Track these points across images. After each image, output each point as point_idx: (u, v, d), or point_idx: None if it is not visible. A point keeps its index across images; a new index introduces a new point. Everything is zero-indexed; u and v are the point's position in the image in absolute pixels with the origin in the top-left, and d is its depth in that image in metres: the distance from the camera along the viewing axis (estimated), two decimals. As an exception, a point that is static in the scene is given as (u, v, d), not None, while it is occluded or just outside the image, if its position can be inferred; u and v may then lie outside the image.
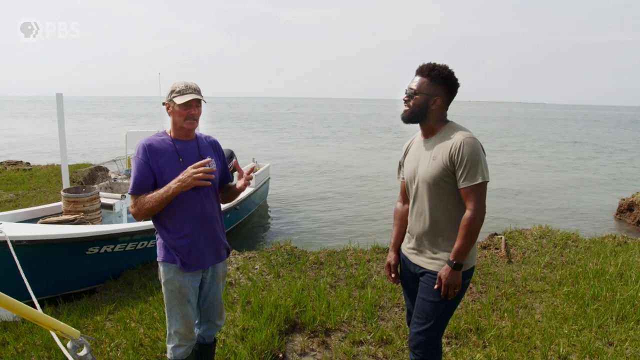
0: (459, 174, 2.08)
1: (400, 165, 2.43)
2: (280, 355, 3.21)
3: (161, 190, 2.18)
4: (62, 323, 1.50)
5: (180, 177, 2.16)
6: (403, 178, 2.39)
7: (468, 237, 2.07)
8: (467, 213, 2.07)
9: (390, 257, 2.45)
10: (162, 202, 2.19)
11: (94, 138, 26.52)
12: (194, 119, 2.29)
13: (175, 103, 2.25)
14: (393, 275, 2.46)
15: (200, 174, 2.15)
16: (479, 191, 2.06)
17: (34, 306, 1.80)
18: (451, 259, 2.10)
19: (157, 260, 2.36)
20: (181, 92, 2.24)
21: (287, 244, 5.81)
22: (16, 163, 13.35)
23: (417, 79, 2.20)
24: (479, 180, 2.05)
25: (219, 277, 2.48)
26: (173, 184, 2.16)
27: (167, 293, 2.33)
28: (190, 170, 2.16)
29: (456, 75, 2.20)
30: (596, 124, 63.13)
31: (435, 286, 2.14)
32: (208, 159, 2.21)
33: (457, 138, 2.09)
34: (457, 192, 2.12)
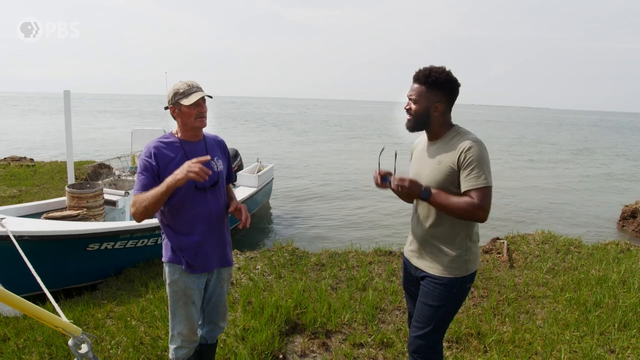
0: (463, 177, 2.06)
1: None
2: (281, 356, 3.21)
3: (157, 187, 2.10)
4: (63, 320, 1.50)
5: (176, 171, 2.06)
6: None
7: (457, 209, 2.01)
8: (476, 201, 2.00)
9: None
10: (159, 199, 2.09)
11: (99, 135, 26.58)
12: (204, 116, 2.28)
13: (182, 105, 2.22)
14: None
15: (196, 169, 2.00)
16: (484, 194, 2.05)
17: (43, 299, 1.80)
18: (431, 191, 2.05)
19: (163, 260, 2.34)
20: (186, 93, 2.22)
21: (288, 245, 5.81)
22: (20, 159, 13.39)
23: (416, 86, 2.16)
24: (483, 184, 2.04)
25: (224, 279, 2.46)
26: (168, 179, 2.07)
27: (171, 294, 2.31)
28: (186, 163, 2.05)
29: (455, 75, 2.14)
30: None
31: (393, 184, 2.09)
32: (208, 157, 2.11)
33: (462, 142, 2.08)
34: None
